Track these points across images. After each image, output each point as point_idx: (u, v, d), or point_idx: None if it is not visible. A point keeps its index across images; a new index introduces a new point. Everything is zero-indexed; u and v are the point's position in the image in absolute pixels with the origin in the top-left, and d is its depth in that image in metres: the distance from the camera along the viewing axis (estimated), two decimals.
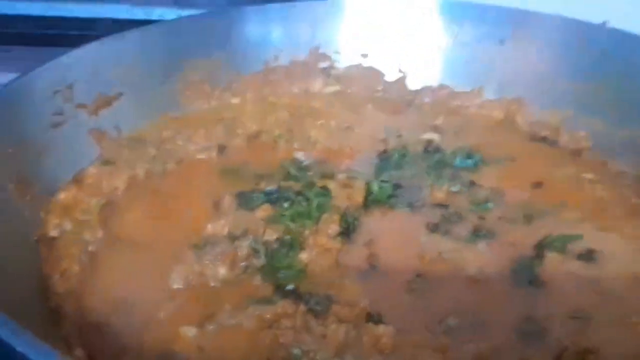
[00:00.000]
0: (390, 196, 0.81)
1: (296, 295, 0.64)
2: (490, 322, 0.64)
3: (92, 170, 0.81)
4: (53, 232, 0.72)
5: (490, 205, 0.82)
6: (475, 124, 1.04)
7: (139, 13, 1.64)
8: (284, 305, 0.62)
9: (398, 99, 1.10)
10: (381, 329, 0.58)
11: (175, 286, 0.66)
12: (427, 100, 1.10)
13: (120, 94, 0.93)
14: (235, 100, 1.06)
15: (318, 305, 0.62)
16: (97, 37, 0.93)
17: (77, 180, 0.80)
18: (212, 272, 0.67)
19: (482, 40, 1.09)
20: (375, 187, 0.82)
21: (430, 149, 0.95)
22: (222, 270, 0.67)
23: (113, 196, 0.80)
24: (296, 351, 0.56)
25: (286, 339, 0.57)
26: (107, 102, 0.91)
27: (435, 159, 0.92)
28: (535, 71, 1.05)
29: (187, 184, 0.85)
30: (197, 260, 0.67)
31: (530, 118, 1.03)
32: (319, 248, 0.71)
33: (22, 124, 0.78)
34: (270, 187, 0.80)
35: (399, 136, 0.97)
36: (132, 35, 0.97)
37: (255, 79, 1.08)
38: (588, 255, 0.73)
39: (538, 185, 0.87)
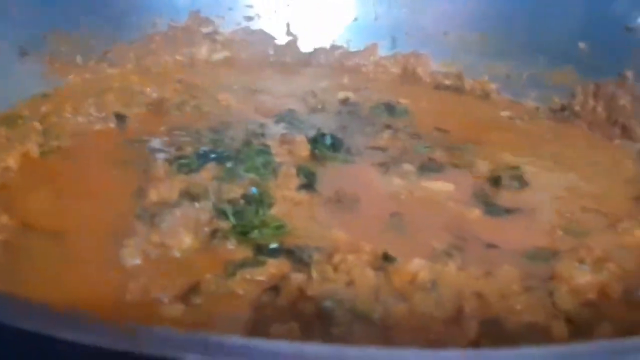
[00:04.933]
0: (335, 147, 0.74)
1: (285, 252, 0.54)
2: (493, 251, 0.59)
3: None
4: None
5: (426, 146, 0.78)
6: (379, 79, 1.01)
7: None
8: (277, 265, 0.52)
9: (293, 62, 1.03)
10: (416, 264, 0.49)
11: (131, 263, 0.52)
12: (322, 61, 1.04)
13: None
14: (112, 72, 0.90)
15: (312, 259, 0.53)
16: None
17: None
18: (174, 241, 0.53)
19: None
20: (318, 140, 0.73)
21: (347, 104, 0.89)
22: (187, 239, 0.54)
23: (6, 178, 0.62)
24: (327, 303, 0.46)
25: (313, 292, 0.46)
26: None
27: (355, 113, 0.87)
28: (427, 24, 1.04)
29: (91, 158, 0.69)
30: (151, 230, 0.54)
31: (430, 69, 1.02)
32: (288, 202, 0.61)
33: None
34: (204, 148, 0.68)
35: (315, 96, 0.90)
36: None
37: (133, 48, 0.94)
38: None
39: (462, 127, 0.85)
